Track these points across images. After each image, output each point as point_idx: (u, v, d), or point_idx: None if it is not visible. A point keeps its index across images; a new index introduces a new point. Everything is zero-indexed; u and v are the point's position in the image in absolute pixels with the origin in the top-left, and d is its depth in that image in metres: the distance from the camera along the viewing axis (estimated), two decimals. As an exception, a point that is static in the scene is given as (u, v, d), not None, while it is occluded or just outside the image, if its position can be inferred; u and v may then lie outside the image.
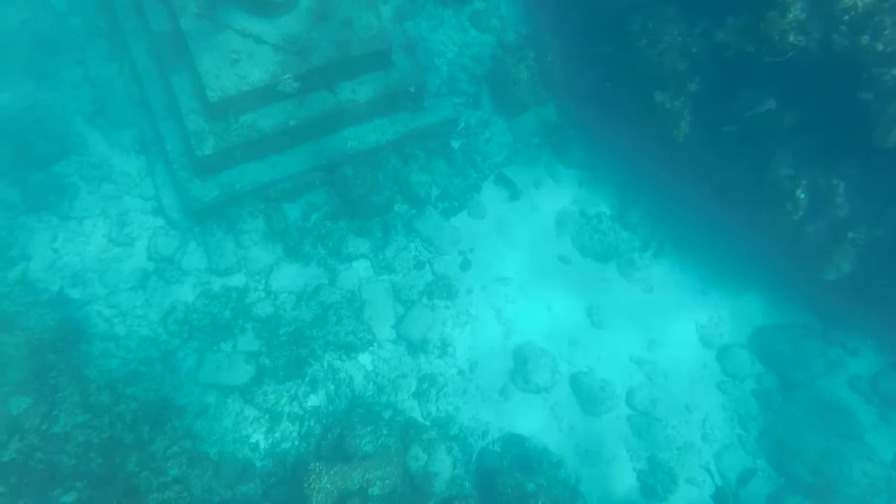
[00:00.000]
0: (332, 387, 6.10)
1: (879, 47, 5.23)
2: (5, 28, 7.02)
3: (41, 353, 5.91)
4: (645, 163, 6.86)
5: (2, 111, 6.73)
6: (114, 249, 6.59)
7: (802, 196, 6.08)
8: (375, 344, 6.35)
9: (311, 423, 5.94)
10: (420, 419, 6.14)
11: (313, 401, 6.09)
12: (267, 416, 5.99)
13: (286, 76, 6.04)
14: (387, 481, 5.33)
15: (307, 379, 6.08)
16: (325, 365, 6.20)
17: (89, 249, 6.57)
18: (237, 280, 6.50)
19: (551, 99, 7.11)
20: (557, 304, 6.80)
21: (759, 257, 6.72)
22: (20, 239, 6.49)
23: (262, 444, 5.92)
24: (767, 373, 6.63)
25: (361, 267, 6.64)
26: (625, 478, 6.21)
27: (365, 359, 6.32)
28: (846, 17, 5.37)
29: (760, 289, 6.96)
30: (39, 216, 6.58)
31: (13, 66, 6.91)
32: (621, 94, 6.67)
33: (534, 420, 6.36)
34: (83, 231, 6.61)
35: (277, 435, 5.94)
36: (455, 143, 7.05)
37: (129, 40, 6.63)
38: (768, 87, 5.87)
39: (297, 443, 5.90)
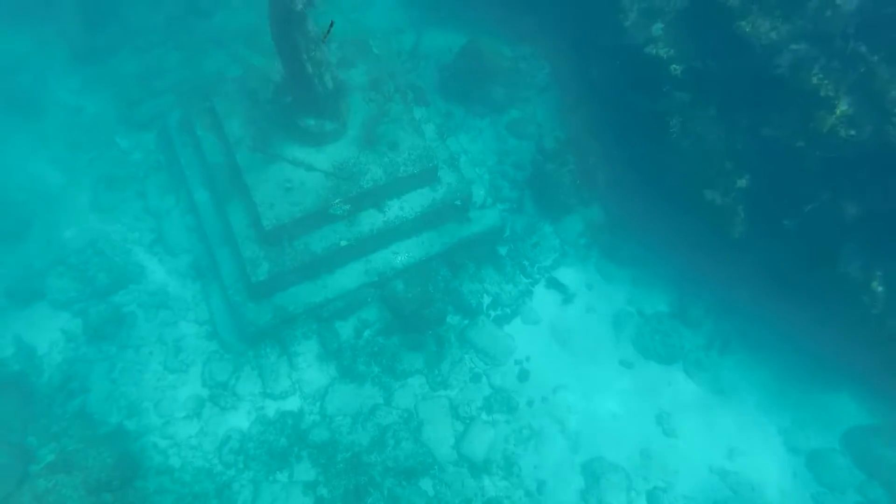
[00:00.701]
0: (393, 519, 5.72)
1: (939, 136, 5.09)
2: (74, 167, 7.49)
3: (97, 492, 5.77)
4: (700, 258, 6.63)
5: (69, 246, 7.04)
6: (169, 377, 6.56)
7: (880, 289, 5.74)
8: (436, 467, 6.00)
9: (374, 563, 5.51)
10: (489, 552, 5.66)
11: (374, 535, 5.71)
12: (326, 555, 5.61)
13: (337, 200, 6.17)
14: None
15: (367, 511, 5.74)
16: (385, 493, 5.85)
17: (146, 378, 6.56)
18: (292, 403, 6.34)
19: (595, 199, 7.07)
20: (624, 412, 6.38)
21: (836, 352, 6.26)
22: (80, 371, 6.55)
23: (322, 588, 5.51)
24: (871, 482, 5.97)
25: (417, 384, 6.42)
26: None
27: (426, 484, 5.95)
28: (898, 109, 5.27)
29: (842, 385, 6.43)
30: (99, 346, 6.66)
31: (80, 202, 7.29)
32: (668, 192, 6.58)
33: (612, 547, 5.80)
34: (140, 359, 6.64)
35: (338, 577, 5.53)
36: (502, 250, 6.99)
37: (187, 173, 6.94)
38: (825, 180, 5.69)
39: (359, 585, 5.47)
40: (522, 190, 7.22)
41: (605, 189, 7.03)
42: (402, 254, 6.62)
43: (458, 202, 6.53)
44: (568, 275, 6.92)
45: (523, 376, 6.51)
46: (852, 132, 5.47)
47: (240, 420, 6.30)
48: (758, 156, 6.08)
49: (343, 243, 6.34)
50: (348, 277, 6.55)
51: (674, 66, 6.39)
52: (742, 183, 6.17)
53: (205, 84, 7.41)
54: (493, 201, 6.99)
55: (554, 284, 6.86)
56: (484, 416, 6.28)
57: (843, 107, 5.46)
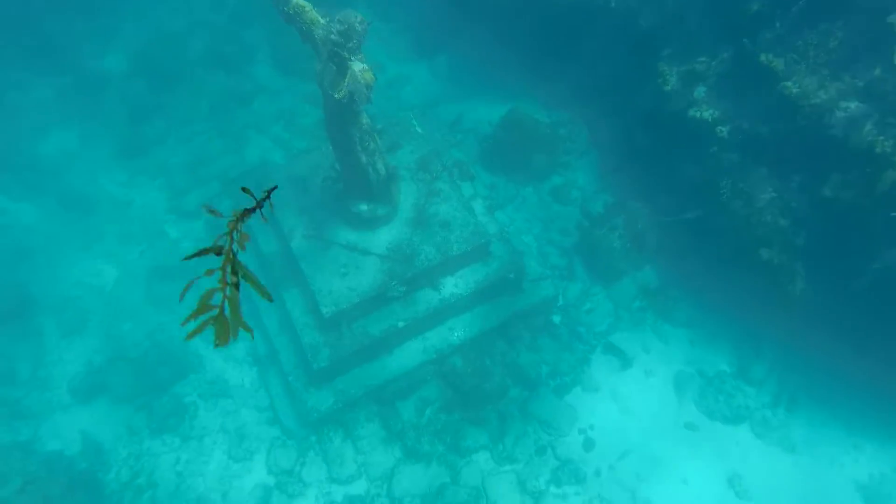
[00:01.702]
0: None
1: None
2: (126, 259, 7.69)
3: None
4: (759, 316, 6.66)
5: (126, 339, 7.19)
6: (234, 466, 6.62)
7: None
8: (511, 549, 5.94)
9: None
10: None
11: None
12: None
13: (393, 282, 6.27)
14: None
15: None
16: (462, 580, 5.79)
17: (210, 469, 6.62)
18: (359, 487, 6.37)
19: (647, 262, 7.13)
20: (694, 476, 6.33)
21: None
22: (146, 466, 6.63)
23: None
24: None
25: (482, 459, 6.43)
26: None
27: (502, 567, 5.89)
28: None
29: (918, 435, 6.33)
30: (163, 439, 6.76)
31: (135, 294, 7.48)
32: (721, 252, 6.63)
33: None
34: (204, 450, 6.71)
35: None
36: (556, 318, 7.06)
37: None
38: (891, 237, 5.69)
39: None
40: (571, 256, 7.30)
41: (655, 251, 7.07)
42: (458, 329, 6.69)
43: (511, 275, 6.61)
44: (624, 339, 6.95)
45: (588, 445, 6.48)
46: (915, 187, 5.51)
47: (308, 508, 6.31)
48: (814, 213, 6.12)
49: (400, 324, 6.42)
50: (407, 357, 6.63)
51: (719, 127, 6.52)
52: (799, 241, 6.22)
53: (251, 172, 7.65)
54: (544, 270, 7.06)
55: (611, 350, 6.89)
56: (553, 490, 6.25)
57: (903, 163, 5.51)
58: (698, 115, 6.61)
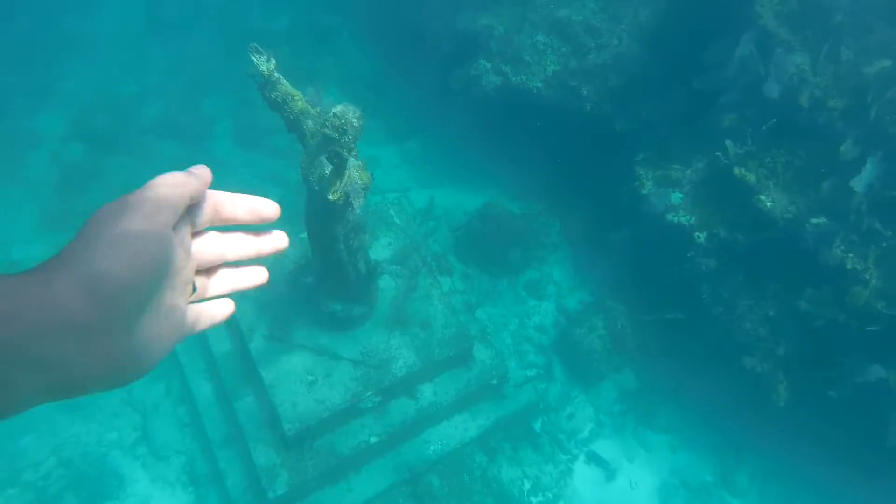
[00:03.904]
0: None
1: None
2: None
3: None
4: (742, 423, 6.14)
5: (24, 457, 5.44)
6: None
7: (930, 458, 5.41)
8: None
9: None
10: None
11: None
12: None
13: (368, 393, 5.20)
14: None
15: None
16: None
17: None
18: None
19: (627, 363, 6.51)
20: None
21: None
22: None
23: None
24: None
25: None
26: None
27: None
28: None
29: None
30: (59, 593, 5.03)
31: (42, 397, 5.82)
32: (703, 356, 6.16)
33: None
34: None
35: None
36: (537, 424, 6.15)
37: (183, 360, 5.75)
38: (870, 351, 5.46)
39: None
40: (549, 355, 6.53)
41: (635, 353, 6.50)
42: (434, 443, 5.60)
43: (494, 381, 5.75)
44: (607, 447, 6.14)
45: (578, 576, 5.51)
46: (883, 303, 5.36)
47: None
48: (791, 323, 5.84)
49: (373, 440, 5.28)
50: (376, 476, 5.41)
51: (697, 233, 6.19)
52: (780, 351, 5.86)
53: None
54: (525, 371, 6.26)
55: (594, 459, 6.04)
56: None
57: (874, 281, 5.37)
58: (676, 219, 6.28)
